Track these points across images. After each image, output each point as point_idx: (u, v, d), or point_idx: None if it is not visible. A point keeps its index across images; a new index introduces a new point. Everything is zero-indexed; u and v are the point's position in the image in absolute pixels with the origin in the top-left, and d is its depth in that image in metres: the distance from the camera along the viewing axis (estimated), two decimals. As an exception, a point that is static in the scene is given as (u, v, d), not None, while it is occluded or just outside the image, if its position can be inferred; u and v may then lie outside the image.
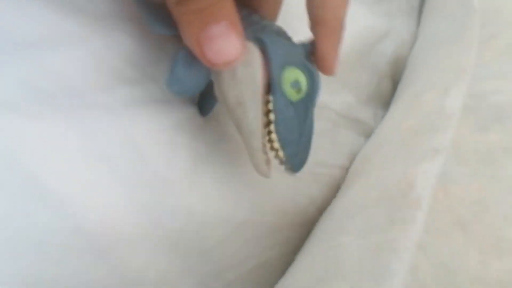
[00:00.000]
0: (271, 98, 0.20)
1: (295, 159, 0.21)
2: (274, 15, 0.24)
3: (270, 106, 0.20)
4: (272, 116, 0.20)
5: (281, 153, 0.21)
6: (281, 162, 0.22)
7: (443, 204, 0.20)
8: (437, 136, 0.24)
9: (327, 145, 0.32)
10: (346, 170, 0.33)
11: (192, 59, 0.19)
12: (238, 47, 0.18)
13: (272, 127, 0.21)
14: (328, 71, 0.22)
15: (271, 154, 0.22)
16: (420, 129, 0.25)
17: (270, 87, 0.20)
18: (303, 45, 0.22)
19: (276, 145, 0.21)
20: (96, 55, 0.21)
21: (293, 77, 0.20)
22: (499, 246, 0.17)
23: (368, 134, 0.37)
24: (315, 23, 0.22)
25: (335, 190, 0.31)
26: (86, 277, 0.19)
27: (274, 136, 0.21)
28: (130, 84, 0.22)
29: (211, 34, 0.17)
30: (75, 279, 0.18)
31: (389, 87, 0.42)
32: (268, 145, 0.21)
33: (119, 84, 0.21)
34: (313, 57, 0.22)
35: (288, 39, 0.22)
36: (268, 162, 0.22)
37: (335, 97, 0.34)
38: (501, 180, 0.21)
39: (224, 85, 0.20)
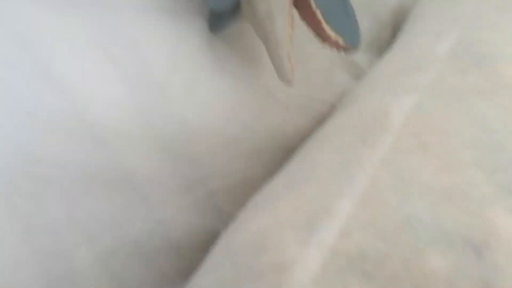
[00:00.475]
0: None
1: (353, 35, 0.24)
2: None
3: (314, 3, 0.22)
4: (318, 12, 0.23)
5: (333, 35, 0.23)
6: (337, 47, 0.24)
7: (411, 130, 0.22)
8: (419, 75, 0.25)
9: (321, 81, 0.33)
10: (334, 106, 0.35)
11: None
12: None
13: (319, 15, 0.23)
14: None
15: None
16: (406, 70, 0.27)
17: None
18: None
19: (327, 28, 0.23)
20: None
21: None
22: (452, 164, 0.19)
23: (358, 75, 0.39)
24: None
25: (321, 124, 0.33)
26: (84, 161, 0.21)
27: (319, 14, 0.23)
28: None
29: None
30: (75, 163, 0.21)
31: (388, 36, 0.44)
32: (321, 37, 0.23)
33: None
34: None
35: None
36: (292, 70, 0.24)
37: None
38: (468, 115, 0.23)
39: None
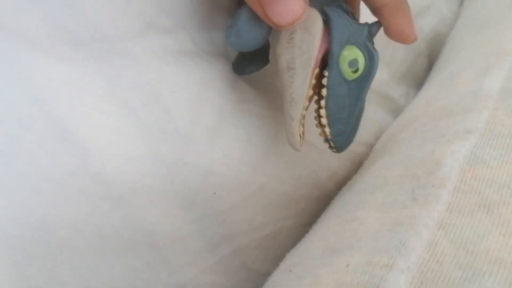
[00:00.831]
0: (326, 73, 0.20)
1: (341, 139, 0.21)
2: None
3: (324, 81, 0.20)
4: (324, 92, 0.20)
5: (327, 130, 0.21)
6: (326, 140, 0.22)
7: (469, 185, 0.19)
8: (470, 117, 0.23)
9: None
10: (371, 147, 0.32)
11: (256, 16, 0.19)
12: (300, 8, 0.18)
13: (322, 102, 0.20)
14: (409, 41, 0.22)
15: (318, 130, 0.22)
16: (453, 109, 0.24)
17: (325, 62, 0.20)
18: (368, 26, 0.21)
19: (324, 121, 0.21)
20: (128, 0, 0.20)
21: (352, 56, 0.20)
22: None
23: (397, 112, 0.36)
24: (376, 9, 0.21)
25: (357, 166, 0.31)
26: (101, 223, 0.19)
27: (323, 111, 0.21)
28: (160, 33, 0.21)
29: None
30: (90, 224, 0.19)
31: (424, 66, 0.41)
32: (316, 121, 0.21)
33: (150, 32, 0.21)
34: (386, 35, 0.22)
35: (354, 18, 0.21)
36: (302, 134, 0.21)
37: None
38: (534, 165, 0.20)
39: (279, 46, 0.20)
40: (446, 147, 0.21)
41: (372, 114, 0.33)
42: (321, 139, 0.22)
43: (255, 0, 0.18)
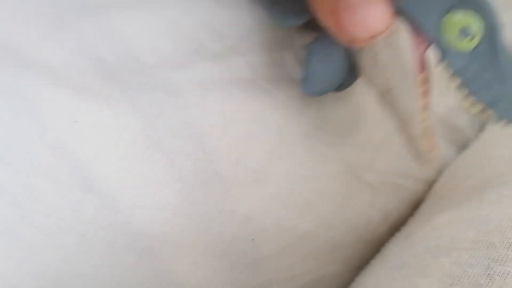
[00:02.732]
0: (444, 63, 0.17)
1: (508, 109, 0.17)
2: None
3: (449, 70, 0.17)
4: (455, 83, 0.17)
5: (485, 116, 0.17)
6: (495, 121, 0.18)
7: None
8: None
9: (414, 155, 0.27)
10: (430, 185, 0.28)
11: (326, 50, 0.17)
12: (386, 15, 0.14)
13: (462, 93, 0.17)
14: None
15: (479, 116, 0.18)
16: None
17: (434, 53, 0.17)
18: None
19: (476, 108, 0.17)
20: (173, 23, 0.18)
21: (457, 27, 0.16)
22: None
23: (461, 143, 0.32)
24: None
25: (414, 207, 0.27)
26: (125, 276, 0.17)
27: (468, 101, 0.17)
28: (209, 59, 0.19)
29: (351, 2, 0.14)
30: (113, 277, 0.17)
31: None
32: (467, 105, 0.18)
33: (196, 59, 0.18)
34: None
35: None
36: (432, 148, 0.18)
37: (441, 98, 0.29)
38: None
39: (366, 72, 0.18)
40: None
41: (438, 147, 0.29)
42: (378, 172, 0.19)
43: (327, 7, 0.15)
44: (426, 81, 0.17)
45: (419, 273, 0.19)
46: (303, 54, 0.18)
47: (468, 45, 0.16)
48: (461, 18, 0.16)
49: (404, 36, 0.17)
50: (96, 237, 0.16)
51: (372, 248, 0.26)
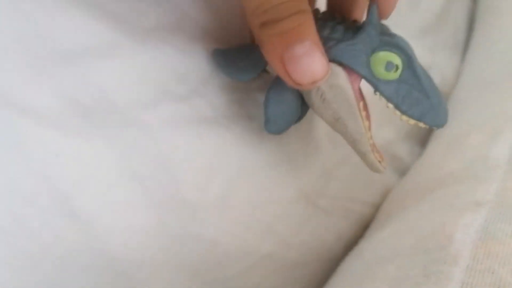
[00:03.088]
0: (377, 93, 0.20)
1: (436, 118, 0.20)
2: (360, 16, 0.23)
3: (382, 99, 0.20)
4: (390, 105, 0.20)
5: (421, 125, 0.20)
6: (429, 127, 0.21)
7: (482, 263, 0.19)
8: (480, 188, 0.22)
9: (361, 181, 0.31)
10: (377, 208, 0.31)
11: (281, 94, 0.20)
12: (323, 65, 0.18)
13: (397, 112, 0.20)
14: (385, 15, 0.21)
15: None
16: (461, 176, 0.24)
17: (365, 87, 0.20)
18: (370, 23, 0.20)
19: (412, 121, 0.20)
20: (142, 69, 0.20)
21: (383, 62, 0.20)
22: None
23: (402, 171, 0.36)
24: None
25: (364, 228, 0.30)
26: None
27: (405, 117, 0.20)
28: (175, 100, 0.21)
29: (295, 54, 0.17)
30: None
31: (428, 123, 0.41)
32: (405, 120, 0.21)
33: (164, 100, 0.21)
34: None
35: (350, 24, 0.21)
36: (380, 159, 0.21)
37: (378, 131, 0.33)
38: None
39: (316, 108, 0.21)
40: (457, 219, 0.21)
41: (379, 175, 0.33)
42: (329, 198, 0.22)
43: (277, 58, 0.18)
44: (365, 107, 0.21)
45: (369, 280, 0.21)
46: (263, 100, 0.21)
47: (394, 75, 0.20)
48: (384, 56, 0.19)
49: (342, 76, 0.20)
50: (76, 262, 0.17)
51: (329, 268, 0.28)
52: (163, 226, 0.20)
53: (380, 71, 0.20)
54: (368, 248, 0.25)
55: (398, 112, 0.20)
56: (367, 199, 0.31)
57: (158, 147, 0.20)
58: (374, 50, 0.20)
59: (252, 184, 0.23)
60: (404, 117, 0.20)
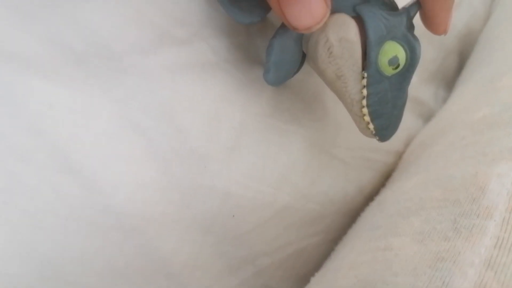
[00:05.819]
0: (365, 74, 0.19)
1: (386, 132, 0.21)
2: None
3: (364, 82, 0.19)
4: (364, 91, 0.20)
5: (371, 126, 0.20)
6: (371, 134, 0.21)
7: (520, 216, 0.17)
8: (516, 132, 0.20)
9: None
10: (400, 155, 0.30)
11: (284, 43, 0.19)
12: (320, 11, 0.16)
13: (364, 101, 0.20)
14: (438, 32, 0.20)
15: (361, 125, 0.21)
16: (495, 122, 0.22)
17: (365, 61, 0.19)
18: (407, 11, 0.20)
19: (367, 118, 0.20)
20: (138, 11, 0.18)
21: (391, 53, 0.19)
22: None
23: (426, 116, 0.34)
24: None
25: (386, 177, 0.29)
26: (113, 256, 0.17)
27: (365, 110, 0.20)
28: (174, 44, 0.19)
29: None
30: (100, 258, 0.17)
31: (454, 64, 0.38)
32: (357, 117, 0.21)
33: (163, 45, 0.19)
34: (421, 20, 0.21)
35: (394, 8, 0.20)
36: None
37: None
38: None
39: (320, 62, 0.20)
40: (491, 168, 0.19)
41: (402, 120, 0.31)
42: (348, 148, 0.21)
43: (274, 1, 0.16)
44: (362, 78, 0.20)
45: (392, 232, 0.20)
46: (263, 45, 0.20)
47: (391, 71, 0.19)
48: (396, 49, 0.19)
49: (355, 31, 0.19)
50: (80, 218, 0.16)
51: (350, 219, 0.27)
52: (171, 180, 0.19)
53: (383, 59, 0.19)
54: (390, 199, 0.23)
55: (359, 99, 0.19)
56: (389, 147, 0.29)
57: (160, 95, 0.18)
58: (393, 38, 0.19)
59: (258, 133, 0.22)
60: (362, 110, 0.20)
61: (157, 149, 0.18)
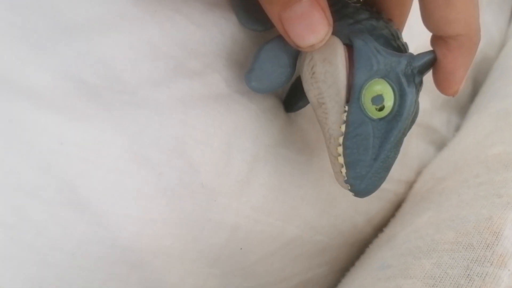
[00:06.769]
0: (346, 107, 0.18)
1: (359, 183, 0.18)
2: (400, 18, 0.21)
3: (344, 116, 0.18)
4: (343, 128, 0.18)
5: (343, 170, 0.18)
6: (343, 182, 0.19)
7: (536, 267, 0.17)
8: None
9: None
10: (411, 184, 0.29)
11: (276, 51, 0.19)
12: (322, 29, 0.16)
13: (341, 139, 0.18)
14: (448, 92, 0.19)
15: (335, 167, 0.19)
16: (510, 160, 0.22)
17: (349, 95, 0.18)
18: (408, 57, 0.18)
19: (341, 159, 0.18)
20: (151, 43, 0.18)
21: (377, 92, 0.17)
22: None
23: (439, 143, 0.33)
24: (438, 37, 0.18)
25: (396, 207, 0.28)
26: None
27: (340, 149, 0.18)
28: (188, 76, 0.19)
29: (293, 15, 0.16)
30: None
31: (468, 91, 0.38)
32: (333, 150, 0.19)
33: (176, 77, 0.18)
34: (433, 74, 0.19)
35: (396, 47, 0.19)
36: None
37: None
38: None
39: (304, 82, 0.18)
40: (506, 213, 0.19)
41: (414, 149, 0.30)
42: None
43: (276, 18, 0.16)
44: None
45: (402, 274, 0.19)
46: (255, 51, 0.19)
47: (375, 112, 0.17)
48: (382, 87, 0.17)
49: (341, 55, 0.17)
50: (87, 253, 0.16)
51: (357, 249, 0.27)
52: (180, 214, 0.18)
53: (367, 95, 0.17)
54: (400, 234, 0.23)
55: (336, 136, 0.18)
56: (400, 176, 0.28)
57: (171, 128, 0.18)
58: (384, 76, 0.17)
59: (271, 165, 0.21)
60: (337, 148, 0.18)
61: (167, 184, 0.18)
